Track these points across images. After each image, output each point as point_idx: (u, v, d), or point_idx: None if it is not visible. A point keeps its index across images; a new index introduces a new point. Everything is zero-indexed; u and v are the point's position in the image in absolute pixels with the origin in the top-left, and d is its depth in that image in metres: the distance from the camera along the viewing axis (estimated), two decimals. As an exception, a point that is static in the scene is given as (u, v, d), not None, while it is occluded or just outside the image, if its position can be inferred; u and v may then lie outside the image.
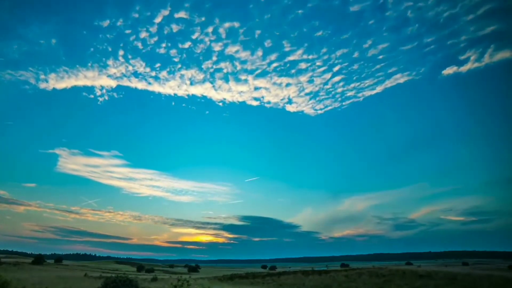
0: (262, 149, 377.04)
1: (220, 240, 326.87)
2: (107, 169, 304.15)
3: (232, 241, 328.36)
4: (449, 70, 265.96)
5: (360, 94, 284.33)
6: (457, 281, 24.55)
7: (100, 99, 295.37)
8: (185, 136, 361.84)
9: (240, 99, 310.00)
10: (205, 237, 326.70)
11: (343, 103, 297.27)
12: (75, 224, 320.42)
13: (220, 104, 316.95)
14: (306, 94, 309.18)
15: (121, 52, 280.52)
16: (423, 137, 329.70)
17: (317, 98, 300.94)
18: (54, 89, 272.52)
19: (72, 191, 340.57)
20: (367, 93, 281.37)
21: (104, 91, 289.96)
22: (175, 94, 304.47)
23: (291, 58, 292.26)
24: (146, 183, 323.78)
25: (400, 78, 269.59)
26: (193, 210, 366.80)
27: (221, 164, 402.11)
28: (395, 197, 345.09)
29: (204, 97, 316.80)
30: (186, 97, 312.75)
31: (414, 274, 28.56)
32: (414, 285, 23.91)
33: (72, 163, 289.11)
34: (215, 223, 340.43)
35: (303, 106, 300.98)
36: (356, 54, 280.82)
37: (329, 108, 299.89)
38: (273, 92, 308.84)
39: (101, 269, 54.54)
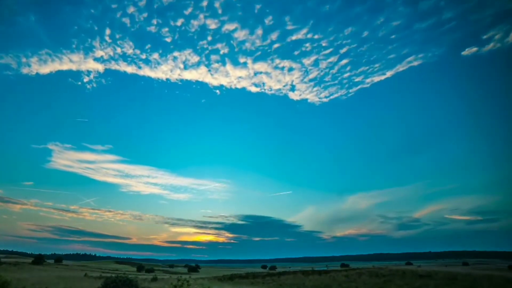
0: (263, 143, 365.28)
1: (220, 239, 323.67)
2: (102, 165, 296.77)
3: (232, 241, 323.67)
4: (468, 51, 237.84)
5: (368, 80, 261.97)
6: (457, 281, 24.53)
7: (88, 86, 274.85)
8: (180, 129, 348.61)
9: (239, 86, 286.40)
10: (205, 236, 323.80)
11: (350, 90, 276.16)
12: (73, 223, 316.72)
13: (217, 91, 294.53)
14: (311, 80, 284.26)
15: (107, 31, 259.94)
16: (433, 131, 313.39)
17: (322, 85, 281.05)
18: (37, 74, 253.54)
19: (68, 189, 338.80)
20: (376, 78, 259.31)
21: (91, 76, 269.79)
22: (167, 80, 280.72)
23: (294, 37, 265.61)
24: (143, 180, 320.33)
25: (414, 61, 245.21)
26: (192, 209, 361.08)
27: (220, 160, 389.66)
28: (400, 195, 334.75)
29: (199, 82, 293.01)
30: (180, 82, 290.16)
31: (414, 274, 28.54)
32: (414, 285, 23.88)
33: (65, 159, 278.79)
34: (215, 222, 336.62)
35: (307, 93, 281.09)
36: (365, 34, 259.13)
37: (335, 95, 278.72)
38: (274, 77, 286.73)
39: (101, 269, 54.54)
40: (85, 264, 78.92)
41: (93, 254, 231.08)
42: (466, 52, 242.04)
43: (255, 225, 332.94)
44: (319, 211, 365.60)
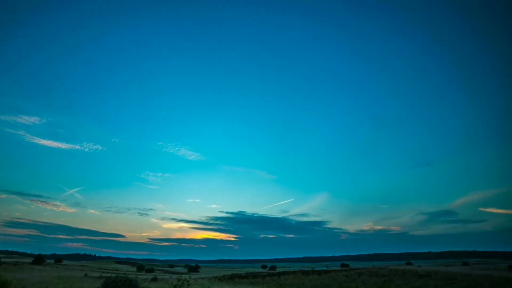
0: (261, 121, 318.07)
1: (219, 237, 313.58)
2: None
3: (233, 239, 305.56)
4: None
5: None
6: (457, 281, 24.56)
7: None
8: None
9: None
10: (205, 235, 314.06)
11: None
12: (53, 219, 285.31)
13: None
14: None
15: None
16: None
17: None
18: None
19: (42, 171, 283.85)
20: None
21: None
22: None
23: None
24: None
25: None
26: (192, 206, 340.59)
27: (196, 130, 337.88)
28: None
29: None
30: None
31: (414, 274, 28.56)
32: (414, 285, 23.90)
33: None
34: (216, 218, 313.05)
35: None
36: None
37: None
38: None
39: (101, 269, 54.58)
40: (85, 264, 78.95)
41: (93, 254, 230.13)
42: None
43: (256, 221, 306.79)
44: (328, 203, 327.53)
